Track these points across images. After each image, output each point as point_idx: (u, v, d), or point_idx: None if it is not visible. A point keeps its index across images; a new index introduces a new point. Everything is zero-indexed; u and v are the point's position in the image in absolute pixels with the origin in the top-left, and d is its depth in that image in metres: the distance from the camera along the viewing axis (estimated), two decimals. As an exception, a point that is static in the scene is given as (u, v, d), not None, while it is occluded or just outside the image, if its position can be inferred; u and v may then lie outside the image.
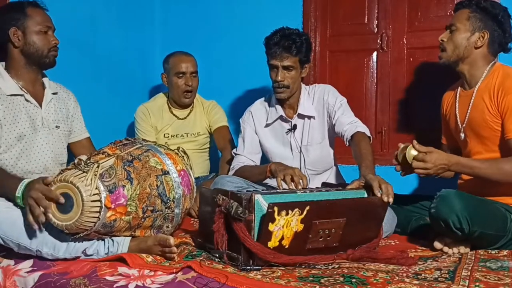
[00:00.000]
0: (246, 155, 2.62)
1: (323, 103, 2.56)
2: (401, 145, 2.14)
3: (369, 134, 2.41)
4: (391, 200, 1.92)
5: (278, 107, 2.61)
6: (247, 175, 2.52)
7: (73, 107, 2.38)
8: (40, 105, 2.20)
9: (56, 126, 2.26)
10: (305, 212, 1.77)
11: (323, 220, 1.81)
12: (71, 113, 2.36)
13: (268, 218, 1.72)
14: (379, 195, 1.93)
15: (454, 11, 2.33)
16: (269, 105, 2.66)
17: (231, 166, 2.65)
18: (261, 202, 1.75)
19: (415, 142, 2.09)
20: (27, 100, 2.16)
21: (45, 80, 2.28)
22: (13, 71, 2.17)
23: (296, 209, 1.75)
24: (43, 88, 2.25)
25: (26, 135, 2.13)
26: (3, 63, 2.21)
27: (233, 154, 2.69)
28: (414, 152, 2.08)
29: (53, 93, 2.28)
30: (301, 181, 2.14)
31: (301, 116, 2.58)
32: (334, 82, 3.11)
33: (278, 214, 1.72)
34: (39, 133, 2.18)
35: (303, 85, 2.62)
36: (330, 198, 1.91)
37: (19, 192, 1.83)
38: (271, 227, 1.73)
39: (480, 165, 2.09)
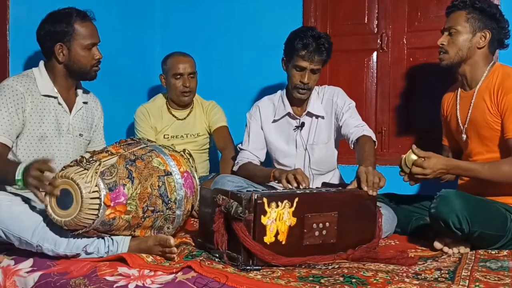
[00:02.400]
0: (251, 150, 2.64)
1: (332, 104, 2.57)
2: (403, 156, 2.16)
3: (374, 139, 2.43)
4: (374, 193, 1.93)
5: (287, 104, 2.61)
6: (251, 174, 2.53)
7: (98, 117, 2.44)
8: (70, 111, 2.26)
9: (80, 134, 2.31)
10: (295, 204, 1.79)
11: (315, 214, 1.83)
12: (95, 122, 2.42)
13: (259, 210, 1.73)
14: (365, 188, 1.94)
15: (447, 14, 2.32)
16: (278, 102, 2.66)
17: (236, 161, 2.67)
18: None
19: (414, 146, 2.12)
20: (59, 103, 2.21)
21: (79, 89, 2.33)
22: (52, 76, 2.21)
23: (286, 201, 1.77)
24: (75, 96, 2.31)
25: (48, 137, 2.18)
26: (44, 62, 2.24)
27: (238, 149, 2.71)
28: (413, 157, 2.11)
29: (84, 102, 2.34)
30: (303, 181, 2.14)
31: (310, 115, 2.60)
32: (334, 82, 3.11)
33: (268, 206, 1.74)
34: (63, 138, 2.23)
35: None
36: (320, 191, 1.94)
37: (18, 175, 1.82)
38: (263, 220, 1.74)
39: (480, 168, 2.11)
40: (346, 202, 1.92)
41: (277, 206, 1.76)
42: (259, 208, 1.73)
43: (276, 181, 2.32)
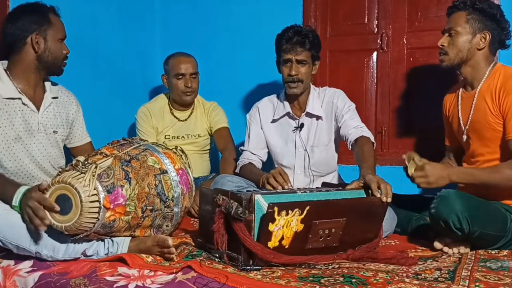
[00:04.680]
0: (251, 150, 2.65)
1: (332, 106, 2.57)
2: (405, 157, 2.16)
3: (373, 140, 2.43)
4: (389, 200, 1.92)
5: (286, 103, 2.62)
6: (248, 176, 2.54)
7: (74, 111, 2.36)
8: (38, 109, 2.18)
9: (54, 131, 2.24)
10: (305, 212, 1.77)
11: (323, 220, 1.81)
12: (71, 118, 2.34)
13: (268, 218, 1.72)
14: (378, 195, 1.93)
15: (447, 15, 2.32)
16: (277, 102, 2.68)
17: (237, 163, 2.68)
18: (261, 202, 1.75)
19: (416, 158, 2.11)
20: (24, 104, 2.13)
21: (47, 83, 2.25)
22: (16, 73, 2.14)
23: (296, 209, 1.76)
24: (43, 92, 2.23)
25: (22, 138, 2.12)
26: (4, 62, 2.18)
27: (240, 150, 2.73)
28: (412, 171, 2.10)
29: (53, 97, 2.26)
30: (284, 182, 2.17)
31: (309, 115, 2.60)
32: (334, 82, 3.11)
33: (278, 214, 1.72)
34: (35, 138, 2.16)
35: (312, 86, 2.64)
36: (330, 198, 1.91)
37: (16, 202, 1.84)
38: (271, 227, 1.73)
39: (481, 173, 2.10)
40: (356, 208, 1.90)
41: (287, 214, 1.74)
42: (268, 216, 1.72)
43: (263, 188, 2.32)
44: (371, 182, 1.97)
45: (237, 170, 2.66)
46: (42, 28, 2.13)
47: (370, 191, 1.97)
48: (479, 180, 2.10)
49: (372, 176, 2.03)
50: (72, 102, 2.36)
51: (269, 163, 2.74)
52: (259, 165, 2.65)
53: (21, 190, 1.85)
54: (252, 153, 2.64)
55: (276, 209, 1.71)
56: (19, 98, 2.12)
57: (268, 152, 2.71)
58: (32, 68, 2.15)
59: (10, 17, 2.17)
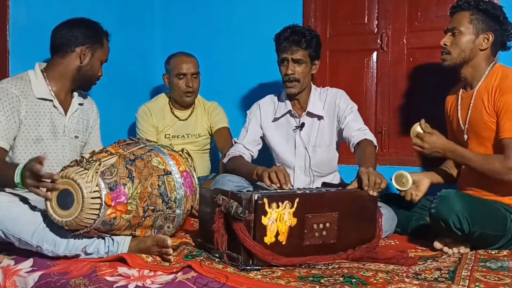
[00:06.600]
0: (245, 144, 2.65)
1: (334, 107, 2.58)
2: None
3: (376, 144, 2.44)
4: (375, 193, 1.94)
5: (288, 102, 2.63)
6: (237, 169, 2.53)
7: (94, 119, 2.44)
8: (65, 114, 2.25)
9: (75, 136, 2.31)
10: (295, 205, 1.79)
11: (316, 214, 1.83)
12: (90, 125, 2.42)
13: (259, 210, 1.73)
14: (366, 189, 1.95)
15: (450, 14, 2.31)
16: (279, 100, 2.68)
17: (228, 153, 2.66)
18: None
19: (423, 121, 2.17)
20: (54, 106, 2.21)
21: (75, 91, 2.33)
22: (54, 75, 2.22)
23: (286, 201, 1.78)
24: (71, 97, 2.31)
25: (44, 140, 2.17)
26: (43, 64, 2.25)
27: (233, 142, 2.72)
28: (419, 130, 2.17)
29: (80, 104, 2.34)
30: (285, 181, 2.15)
31: (310, 115, 2.60)
32: (334, 82, 3.11)
33: (269, 206, 1.74)
34: (59, 141, 2.23)
35: (314, 86, 2.64)
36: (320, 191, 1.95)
37: (17, 178, 1.84)
38: (264, 220, 1.75)
39: (474, 157, 2.14)
40: (347, 202, 1.92)
41: (278, 206, 1.77)
42: (260, 208, 1.73)
43: (258, 180, 2.31)
44: (362, 174, 2.00)
45: (225, 160, 2.64)
46: (94, 45, 2.24)
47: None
48: (469, 164, 2.15)
49: (364, 169, 2.04)
50: (94, 110, 2.45)
51: (267, 160, 2.73)
52: (249, 160, 2.64)
53: (20, 166, 1.86)
54: (245, 148, 2.64)
55: (266, 200, 1.73)
56: (51, 100, 2.20)
57: (269, 150, 2.70)
58: (70, 76, 2.23)
59: (68, 22, 2.26)
